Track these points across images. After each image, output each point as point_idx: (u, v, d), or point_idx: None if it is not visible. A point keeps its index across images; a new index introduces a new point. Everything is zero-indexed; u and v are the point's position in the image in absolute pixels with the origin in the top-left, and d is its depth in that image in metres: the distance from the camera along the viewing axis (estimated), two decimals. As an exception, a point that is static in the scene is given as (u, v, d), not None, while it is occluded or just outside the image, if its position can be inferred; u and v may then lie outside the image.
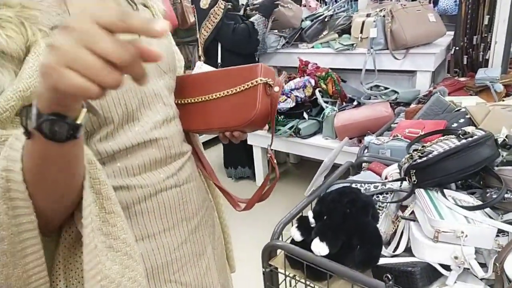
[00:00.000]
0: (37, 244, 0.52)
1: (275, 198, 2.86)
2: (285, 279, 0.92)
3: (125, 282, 0.57)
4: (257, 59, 2.88)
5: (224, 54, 2.71)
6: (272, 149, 0.80)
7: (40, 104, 0.40)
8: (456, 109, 1.57)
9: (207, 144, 3.58)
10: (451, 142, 0.91)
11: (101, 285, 0.53)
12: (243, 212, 0.84)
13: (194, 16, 2.84)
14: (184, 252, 0.76)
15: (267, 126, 0.76)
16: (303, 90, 2.39)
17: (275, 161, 0.79)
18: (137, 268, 0.60)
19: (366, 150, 1.49)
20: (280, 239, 0.96)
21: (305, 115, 2.43)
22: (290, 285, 0.93)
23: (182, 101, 0.80)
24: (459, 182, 0.96)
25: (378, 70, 2.41)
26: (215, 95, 0.76)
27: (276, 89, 0.72)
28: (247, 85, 0.72)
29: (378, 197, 1.01)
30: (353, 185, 1.06)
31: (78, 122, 0.42)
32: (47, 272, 0.55)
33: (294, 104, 2.39)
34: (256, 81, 0.71)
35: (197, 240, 0.80)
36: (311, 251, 0.84)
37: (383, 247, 0.92)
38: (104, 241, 0.55)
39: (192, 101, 0.79)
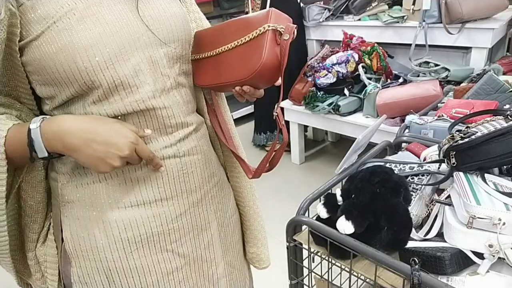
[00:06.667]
0: None
1: (309, 176, 2.88)
2: (309, 255, 0.91)
3: None
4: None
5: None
6: (278, 113, 0.68)
7: (51, 148, 0.61)
8: (510, 90, 1.45)
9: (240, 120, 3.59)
10: (498, 124, 0.84)
11: None
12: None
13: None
14: (183, 224, 0.76)
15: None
16: (346, 65, 2.29)
17: (282, 122, 0.70)
18: None
19: (406, 130, 1.42)
20: (307, 215, 0.95)
21: (346, 91, 2.34)
22: (313, 261, 0.92)
23: (197, 57, 0.77)
24: (504, 167, 0.89)
25: (430, 46, 2.26)
26: (225, 48, 0.71)
27: (286, 36, 0.64)
28: (256, 32, 0.66)
29: (413, 178, 0.97)
30: (387, 165, 1.01)
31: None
32: None
33: (335, 79, 2.31)
34: (264, 28, 0.64)
35: (200, 214, 0.79)
36: (336, 229, 0.83)
37: (414, 230, 0.88)
38: None
39: (205, 55, 0.75)
